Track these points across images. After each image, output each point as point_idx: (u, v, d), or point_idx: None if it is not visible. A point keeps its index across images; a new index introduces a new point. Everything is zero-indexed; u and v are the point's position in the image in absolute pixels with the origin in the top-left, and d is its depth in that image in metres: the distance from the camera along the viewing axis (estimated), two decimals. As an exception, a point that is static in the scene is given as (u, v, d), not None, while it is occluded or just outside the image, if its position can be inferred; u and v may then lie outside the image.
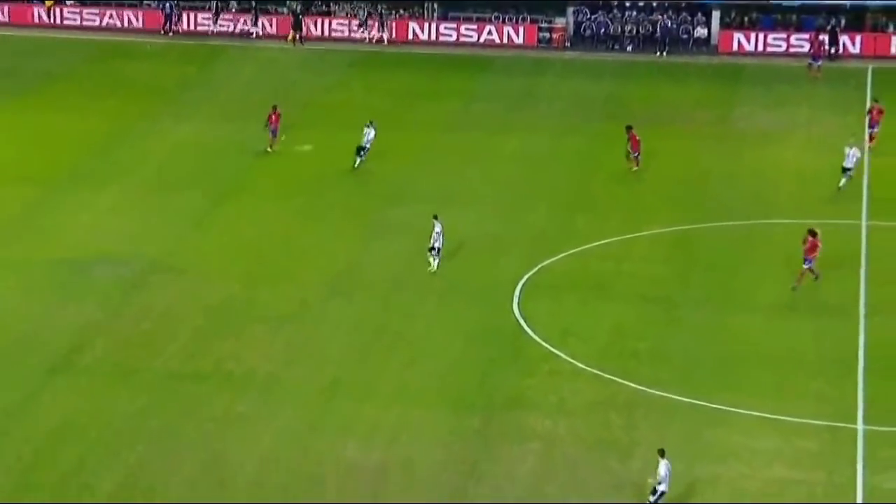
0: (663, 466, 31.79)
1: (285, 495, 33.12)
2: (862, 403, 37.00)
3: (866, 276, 44.90)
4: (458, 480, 33.71)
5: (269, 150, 57.88)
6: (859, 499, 32.74)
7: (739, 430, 36.02)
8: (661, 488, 31.74)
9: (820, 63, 69.52)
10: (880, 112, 56.94)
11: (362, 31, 78.31)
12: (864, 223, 49.49)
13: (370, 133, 55.30)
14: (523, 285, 44.45)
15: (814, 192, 52.26)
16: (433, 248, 45.15)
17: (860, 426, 35.87)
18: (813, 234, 43.22)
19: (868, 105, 59.31)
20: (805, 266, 43.22)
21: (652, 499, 31.82)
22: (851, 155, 51.74)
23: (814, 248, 43.08)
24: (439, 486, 33.45)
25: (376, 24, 78.13)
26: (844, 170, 51.81)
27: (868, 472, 33.75)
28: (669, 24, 75.65)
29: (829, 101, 65.24)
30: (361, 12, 79.19)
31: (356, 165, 54.92)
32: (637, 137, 54.43)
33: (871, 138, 56.60)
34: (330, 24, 79.52)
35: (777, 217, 50.03)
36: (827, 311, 42.47)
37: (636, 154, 54.45)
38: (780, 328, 41.57)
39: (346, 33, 79.11)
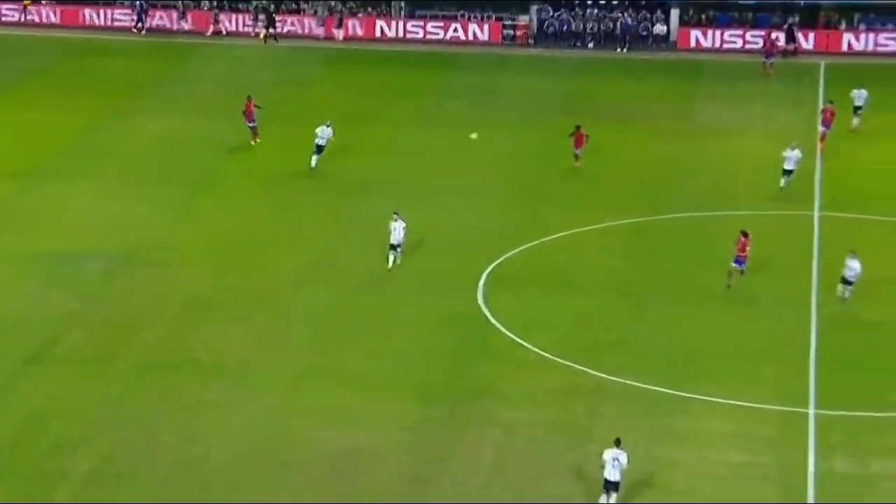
0: (606, 453, 31.62)
1: (256, 481, 33.18)
2: (814, 390, 37.34)
3: (819, 266, 45.23)
4: (424, 467, 33.82)
5: (252, 143, 58.04)
6: (810, 480, 33.07)
7: (698, 415, 36.31)
8: (604, 475, 31.58)
9: (772, 60, 69.79)
10: (833, 114, 57.02)
11: (321, 29, 78.40)
12: (816, 214, 49.85)
13: (328, 132, 54.92)
14: (487, 277, 44.62)
15: (770, 185, 52.41)
16: (396, 246, 45.09)
17: (812, 411, 36.20)
18: (745, 234, 43.26)
19: (822, 105, 59.54)
20: (736, 266, 42.99)
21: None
22: (792, 157, 51.72)
23: (744, 248, 42.91)
24: (405, 473, 33.55)
25: (334, 21, 78.18)
26: (785, 171, 51.80)
27: (819, 456, 34.08)
28: (630, 22, 75.91)
29: (784, 97, 65.59)
30: (320, 10, 79.28)
31: (313, 165, 54.60)
32: (584, 135, 54.39)
33: (822, 138, 56.64)
34: (285, 21, 79.61)
35: (735, 209, 50.26)
36: (781, 301, 42.73)
37: (578, 151, 54.41)
38: (737, 317, 41.82)
39: (305, 30, 79.12)
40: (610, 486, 31.66)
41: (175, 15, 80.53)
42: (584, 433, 35.27)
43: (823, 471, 33.49)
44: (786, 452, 34.39)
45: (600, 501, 31.74)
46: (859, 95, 59.53)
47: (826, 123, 56.83)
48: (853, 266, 41.83)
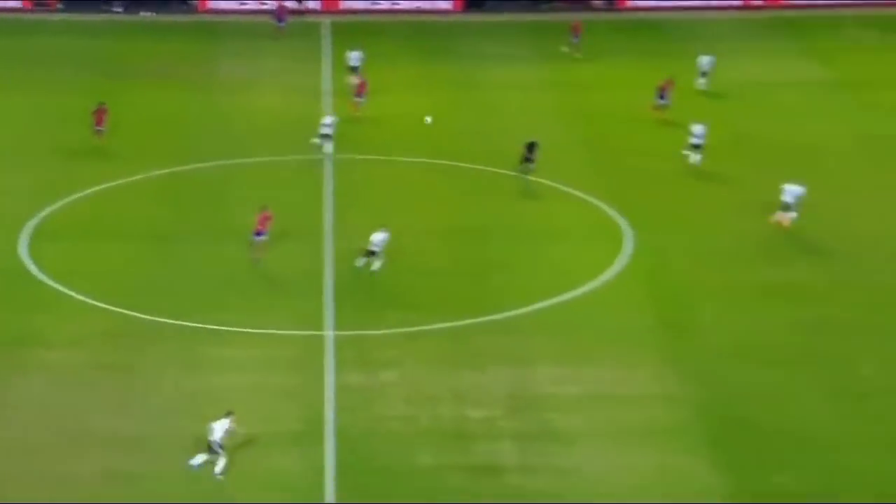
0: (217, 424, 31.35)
1: None
2: (330, 315, 38.94)
3: (332, 203, 46.83)
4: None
5: None
6: (329, 395, 34.61)
7: (229, 345, 37.20)
8: (211, 438, 31.32)
9: (284, 24, 70.33)
10: (364, 84, 57.53)
11: None
12: (329, 158, 51.42)
13: None
14: (31, 231, 43.62)
15: (286, 133, 53.53)
16: None
17: (329, 333, 37.82)
18: (265, 209, 42.32)
19: (356, 80, 59.85)
20: (256, 238, 42.17)
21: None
22: (328, 123, 52.06)
23: (266, 219, 42.12)
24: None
25: None
26: (324, 136, 51.79)
27: (337, 371, 35.76)
28: (154, -14, 75.06)
29: (294, 54, 66.61)
30: None
31: None
32: (105, 111, 52.42)
33: (356, 106, 56.76)
34: None
35: (257, 156, 51.27)
36: (299, 237, 43.94)
37: (100, 128, 52.35)
38: (270, 254, 42.60)
39: None
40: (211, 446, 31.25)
41: None
42: (126, 371, 35.49)
43: (340, 385, 35.12)
44: (307, 372, 35.83)
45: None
46: (353, 57, 60.88)
47: (360, 94, 57.15)
48: (377, 240, 41.70)
